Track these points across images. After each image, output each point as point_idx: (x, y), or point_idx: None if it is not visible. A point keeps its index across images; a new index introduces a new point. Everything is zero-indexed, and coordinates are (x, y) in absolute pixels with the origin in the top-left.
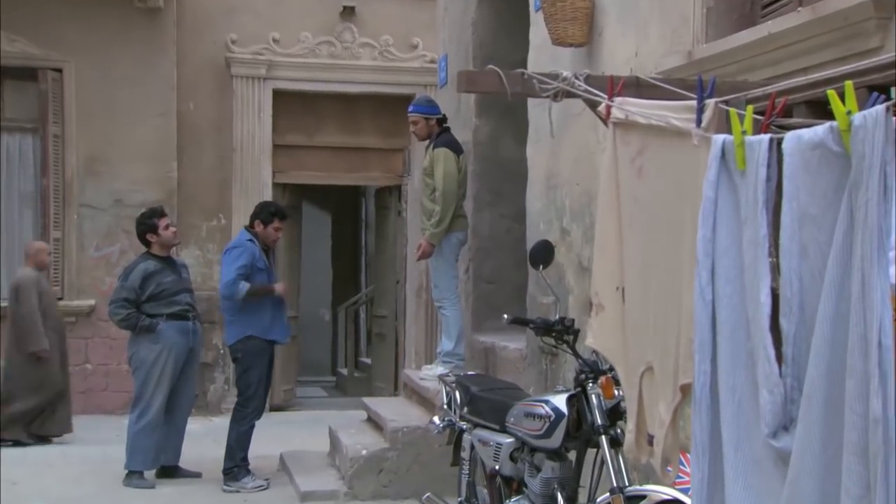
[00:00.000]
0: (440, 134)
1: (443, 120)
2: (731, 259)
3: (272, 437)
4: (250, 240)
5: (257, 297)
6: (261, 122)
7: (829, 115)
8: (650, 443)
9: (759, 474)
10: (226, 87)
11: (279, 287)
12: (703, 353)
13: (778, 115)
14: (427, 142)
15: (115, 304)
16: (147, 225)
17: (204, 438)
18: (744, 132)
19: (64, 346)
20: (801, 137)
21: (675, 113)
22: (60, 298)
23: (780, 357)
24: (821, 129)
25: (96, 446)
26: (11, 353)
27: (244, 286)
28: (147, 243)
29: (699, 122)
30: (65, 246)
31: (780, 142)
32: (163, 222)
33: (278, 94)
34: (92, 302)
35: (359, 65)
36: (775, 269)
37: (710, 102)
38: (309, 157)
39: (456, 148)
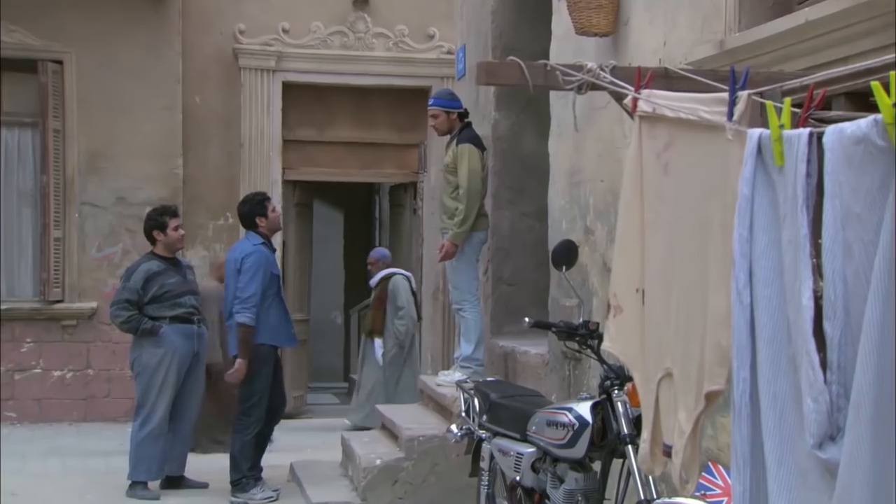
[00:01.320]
0: (463, 129)
1: (464, 114)
2: (770, 260)
3: (282, 445)
4: (264, 243)
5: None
6: (270, 116)
7: (872, 108)
8: (666, 454)
9: (805, 488)
10: (233, 80)
11: (236, 369)
12: (741, 359)
13: (816, 108)
14: (447, 137)
15: (117, 306)
16: (157, 221)
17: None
18: (781, 126)
19: None
20: (843, 131)
21: (705, 106)
22: (60, 301)
23: (824, 363)
24: (864, 123)
25: (98, 456)
26: None
27: (249, 321)
28: (153, 241)
29: (731, 115)
30: (65, 246)
31: (820, 136)
32: (173, 222)
33: (288, 87)
34: (93, 304)
35: (372, 56)
36: (817, 271)
37: (743, 94)
38: (320, 153)
39: (480, 144)
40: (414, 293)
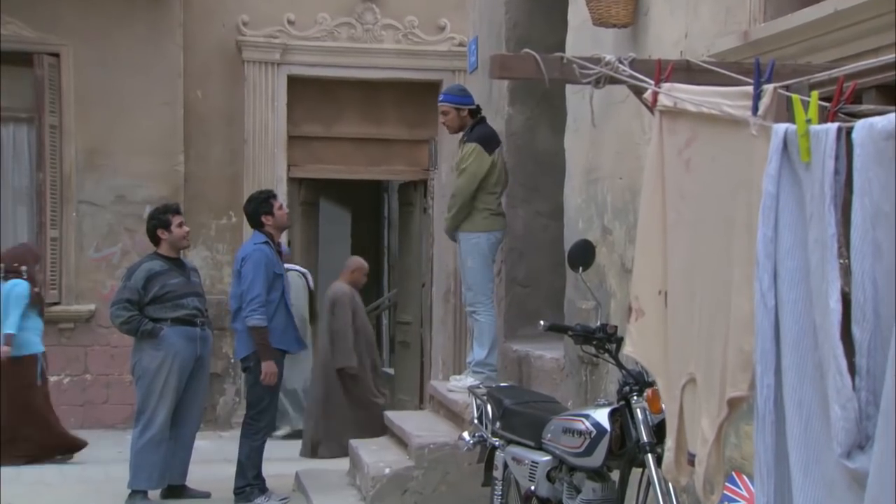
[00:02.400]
0: (475, 126)
1: (476, 110)
2: (796, 261)
3: (287, 454)
4: (266, 242)
5: (254, 341)
6: (275, 111)
7: None
8: (691, 463)
9: (832, 499)
10: (237, 74)
11: (267, 370)
12: (765, 364)
13: (846, 102)
14: (461, 134)
15: (117, 306)
16: (160, 220)
17: (213, 455)
18: (808, 120)
19: (375, 361)
20: (874, 126)
21: (729, 100)
22: (57, 303)
23: (852, 369)
24: None
25: (97, 464)
26: (328, 369)
27: (260, 324)
28: (156, 241)
29: (756, 109)
30: (62, 246)
31: (849, 131)
32: (176, 220)
33: (294, 81)
34: (91, 307)
35: (381, 48)
36: (845, 272)
37: (769, 88)
38: (327, 150)
39: (490, 143)
40: (311, 292)
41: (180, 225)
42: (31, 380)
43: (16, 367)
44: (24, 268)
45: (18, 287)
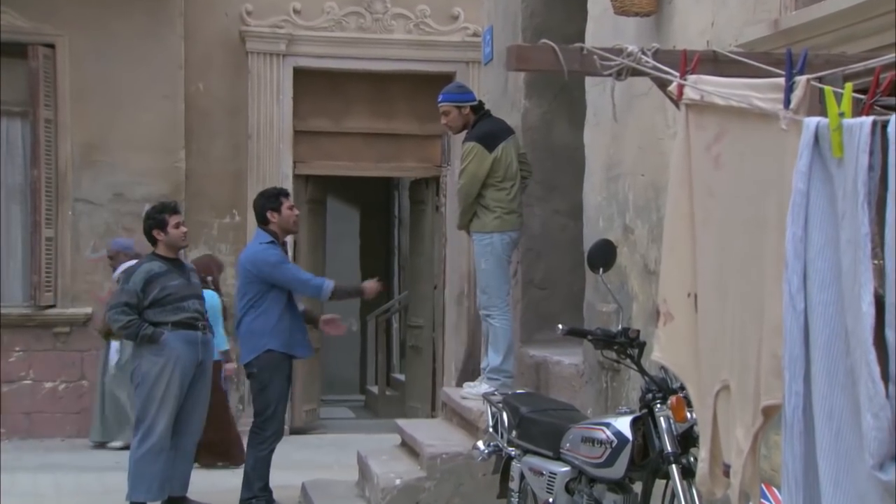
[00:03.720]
0: (476, 123)
1: (478, 107)
2: (827, 262)
3: (293, 464)
4: (271, 242)
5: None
6: (280, 105)
7: None
8: (726, 473)
9: None
10: (240, 66)
11: (370, 287)
12: (794, 370)
13: (882, 94)
14: (465, 133)
15: (115, 310)
16: (156, 220)
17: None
18: (841, 114)
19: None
20: None
21: (758, 92)
22: (52, 306)
23: (885, 375)
24: None
25: (93, 474)
26: None
27: (328, 285)
28: (153, 241)
29: (787, 102)
30: (58, 246)
31: (884, 125)
32: (173, 220)
33: (300, 73)
34: (88, 310)
35: (391, 39)
36: (879, 274)
37: (801, 80)
38: (335, 146)
39: (491, 139)
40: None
41: (177, 225)
42: (216, 385)
43: None
44: (209, 278)
45: (213, 299)
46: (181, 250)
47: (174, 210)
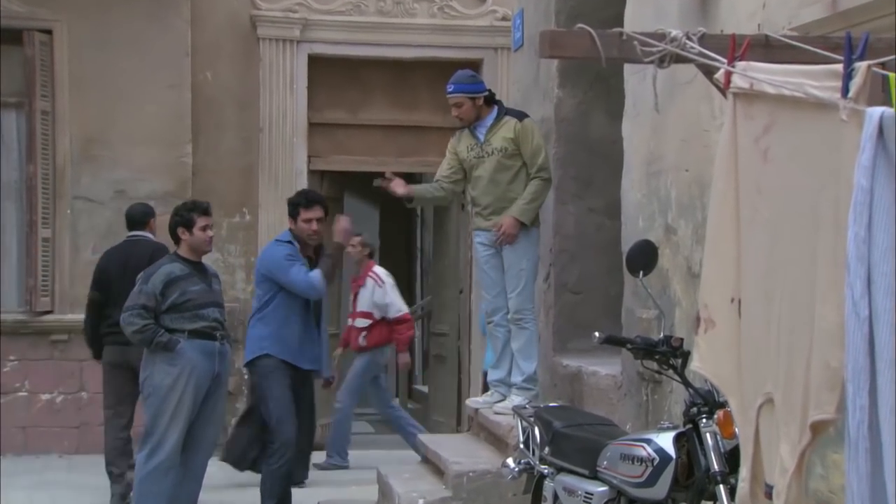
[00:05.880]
0: (500, 107)
1: (490, 97)
2: (893, 265)
3: (309, 482)
4: (289, 241)
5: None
6: (294, 95)
7: None
8: (768, 495)
9: None
10: (251, 53)
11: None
12: (858, 382)
13: None
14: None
15: (131, 312)
16: (183, 218)
17: (225, 481)
18: None
19: None
20: None
21: (814, 80)
22: (49, 311)
23: None
24: None
25: (94, 492)
26: None
27: (314, 275)
28: (177, 240)
29: (846, 90)
30: (55, 247)
31: None
32: (201, 221)
33: (315, 61)
34: None
35: (413, 24)
36: None
37: (862, 66)
38: (352, 139)
39: None
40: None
41: (204, 228)
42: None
43: None
44: None
45: None
46: (204, 254)
47: (205, 211)
